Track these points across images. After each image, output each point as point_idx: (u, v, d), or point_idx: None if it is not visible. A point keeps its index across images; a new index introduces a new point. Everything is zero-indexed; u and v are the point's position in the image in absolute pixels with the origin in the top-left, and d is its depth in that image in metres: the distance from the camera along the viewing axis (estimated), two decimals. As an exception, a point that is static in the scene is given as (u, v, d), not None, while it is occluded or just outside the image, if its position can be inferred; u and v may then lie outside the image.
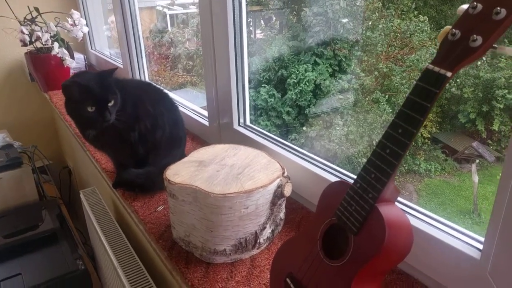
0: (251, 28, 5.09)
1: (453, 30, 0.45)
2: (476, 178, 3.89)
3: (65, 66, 1.69)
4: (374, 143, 4.29)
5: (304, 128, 4.44)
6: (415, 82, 0.48)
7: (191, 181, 0.72)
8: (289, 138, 4.41)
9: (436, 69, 0.45)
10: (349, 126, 4.33)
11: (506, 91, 3.73)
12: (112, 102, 0.87)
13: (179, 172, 0.76)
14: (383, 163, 0.49)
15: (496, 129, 3.86)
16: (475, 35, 0.42)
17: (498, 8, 0.41)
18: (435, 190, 4.07)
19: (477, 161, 4.06)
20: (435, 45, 4.22)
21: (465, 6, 0.46)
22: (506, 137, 3.94)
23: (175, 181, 0.72)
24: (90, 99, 0.85)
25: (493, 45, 0.43)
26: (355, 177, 0.80)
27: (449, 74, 0.44)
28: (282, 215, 0.81)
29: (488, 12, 0.42)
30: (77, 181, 2.21)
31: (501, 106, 3.77)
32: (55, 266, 1.30)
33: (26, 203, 1.66)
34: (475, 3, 0.43)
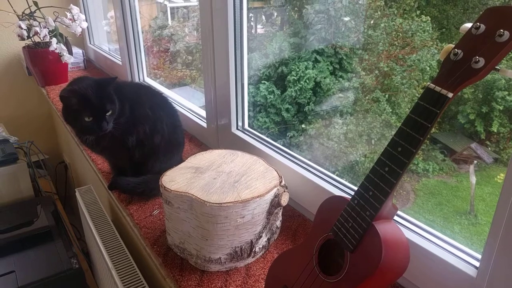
0: (252, 23, 5.05)
1: (456, 50, 0.44)
2: (473, 179, 3.89)
3: (63, 62, 1.67)
4: (373, 142, 4.30)
5: (303, 126, 4.42)
6: (416, 101, 0.47)
7: (187, 188, 0.72)
8: (288, 136, 4.40)
9: (438, 89, 0.44)
10: (348, 124, 4.32)
11: (506, 92, 3.73)
12: (110, 112, 0.87)
13: (175, 179, 0.75)
14: (382, 181, 0.48)
15: (495, 131, 3.86)
16: (477, 57, 0.42)
17: (502, 30, 0.40)
18: (433, 190, 4.07)
19: (475, 162, 4.07)
20: (437, 45, 4.21)
21: (468, 25, 0.45)
22: (504, 139, 3.94)
23: (171, 188, 0.72)
24: (88, 109, 0.84)
25: (496, 67, 0.42)
26: (353, 187, 0.80)
27: (450, 95, 0.43)
28: (278, 223, 0.80)
29: (491, 34, 0.41)
30: (73, 177, 2.20)
31: (501, 107, 3.76)
32: (50, 264, 1.29)
33: (21, 199, 1.65)
34: (478, 23, 0.43)
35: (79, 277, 1.30)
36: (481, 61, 0.42)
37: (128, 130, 0.92)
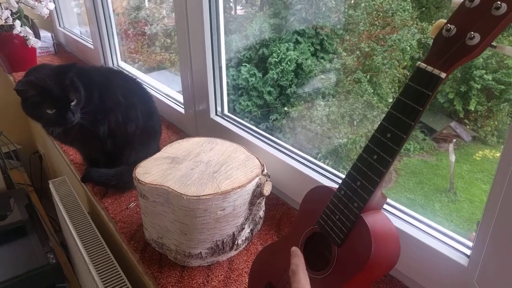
0: (231, 4, 4.93)
1: (448, 25, 0.40)
2: (453, 157, 3.97)
3: (30, 46, 1.57)
4: (355, 123, 4.31)
5: (286, 109, 4.39)
6: (406, 82, 0.43)
7: (163, 180, 0.67)
8: (271, 119, 4.37)
9: (429, 68, 0.41)
10: (330, 106, 4.31)
11: (484, 71, 3.77)
12: (75, 101, 0.79)
13: (150, 170, 0.70)
14: (370, 170, 0.45)
15: (473, 109, 3.92)
16: (472, 32, 0.38)
17: (499, 2, 0.36)
18: (414, 169, 4.14)
19: (454, 140, 4.14)
20: (417, 24, 4.20)
21: (461, -2, 0.41)
22: (482, 117, 4.01)
23: (145, 181, 0.67)
24: (49, 101, 0.77)
25: (492, 43, 0.39)
26: (339, 174, 0.77)
27: (443, 75, 0.40)
28: (261, 213, 0.77)
29: (487, 7, 0.38)
30: (48, 167, 2.11)
31: (479, 86, 3.81)
32: (25, 260, 1.23)
33: (-8, 193, 1.57)
34: (473, -5, 0.39)
35: (56, 272, 1.25)
36: (477, 37, 0.38)
37: (98, 119, 0.85)
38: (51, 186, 1.32)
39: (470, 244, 0.55)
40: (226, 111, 1.04)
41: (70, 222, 1.14)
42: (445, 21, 0.42)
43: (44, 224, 1.51)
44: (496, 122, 3.91)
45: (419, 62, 0.42)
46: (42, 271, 1.21)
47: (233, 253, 0.72)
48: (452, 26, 0.40)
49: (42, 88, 0.76)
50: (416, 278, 0.61)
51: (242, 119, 1.00)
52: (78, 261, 1.18)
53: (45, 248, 1.31)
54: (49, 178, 1.95)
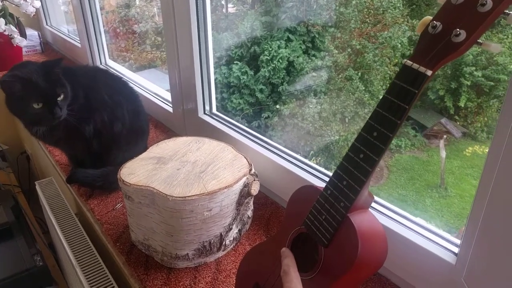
0: (223, 2, 4.91)
1: (434, 22, 0.39)
2: (443, 153, 4.00)
3: (15, 45, 1.54)
4: (347, 120, 4.32)
5: (278, 107, 4.39)
6: (392, 80, 0.43)
7: (148, 181, 0.66)
8: (263, 117, 4.36)
9: (415, 66, 0.40)
10: (322, 104, 4.32)
11: (474, 68, 3.80)
12: (62, 96, 0.78)
13: (135, 171, 0.69)
14: (356, 170, 0.44)
15: (463, 106, 3.95)
16: (458, 29, 0.37)
17: (484, -1, 0.36)
18: (405, 165, 4.17)
19: (445, 136, 4.18)
20: (407, 22, 4.22)
21: (447, -6, 0.40)
22: (472, 113, 4.05)
23: (130, 182, 0.66)
24: (36, 95, 0.75)
25: (478, 40, 0.38)
26: (328, 173, 0.76)
27: (429, 72, 0.39)
28: (249, 213, 0.76)
29: (472, 3, 0.37)
30: (36, 168, 2.08)
31: (469, 83, 3.84)
32: (10, 263, 1.21)
33: (-23, 195, 1.54)
34: (459, -9, 0.38)
35: (43, 275, 1.23)
36: (462, 34, 0.37)
37: (83, 119, 0.84)
38: (37, 187, 1.30)
39: (458, 242, 0.54)
40: (214, 110, 1.03)
41: (57, 224, 1.12)
42: (431, 18, 0.41)
43: (31, 225, 1.48)
44: (485, 118, 3.95)
45: (405, 60, 0.41)
46: (28, 274, 1.19)
47: (220, 254, 0.71)
48: (438, 23, 0.39)
49: (29, 82, 0.74)
50: (404, 276, 0.60)
51: (233, 118, 0.99)
52: (66, 263, 1.16)
53: (31, 250, 1.28)
54: (37, 179, 1.92)
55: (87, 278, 0.93)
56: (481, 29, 0.37)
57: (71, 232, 1.09)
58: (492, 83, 3.77)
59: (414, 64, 0.40)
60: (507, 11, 0.36)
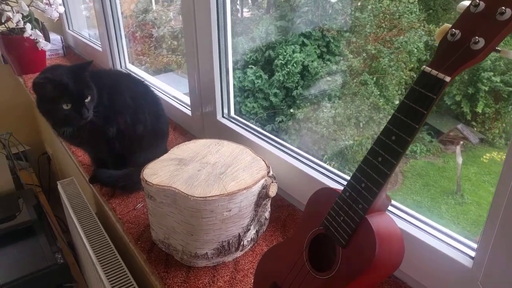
0: (238, 7, 4.95)
1: (453, 30, 0.41)
2: (460, 160, 3.94)
3: (40, 49, 1.59)
4: (361, 125, 4.30)
5: (292, 111, 4.39)
6: (411, 85, 0.44)
7: (170, 182, 0.68)
8: (276, 121, 4.37)
9: (434, 72, 0.41)
10: (336, 108, 4.30)
11: (491, 73, 3.74)
12: (89, 97, 0.82)
13: (157, 172, 0.71)
14: (375, 172, 0.45)
15: (480, 111, 3.89)
16: (477, 37, 0.38)
17: (503, 7, 0.37)
18: (420, 171, 4.12)
19: (462, 142, 4.11)
20: (424, 26, 4.19)
21: (466, 3, 0.41)
22: (490, 119, 3.98)
23: (152, 182, 0.68)
24: (66, 96, 0.79)
25: (496, 47, 0.39)
26: (344, 176, 0.78)
27: (447, 79, 0.40)
28: (267, 214, 0.77)
29: (491, 12, 0.38)
30: (56, 168, 2.14)
31: (486, 88, 3.79)
32: (32, 260, 1.25)
33: (1, 193, 1.59)
34: (477, 1, 0.39)
35: (64, 272, 1.27)
36: (481, 42, 0.38)
37: (107, 121, 0.87)
38: (59, 187, 1.34)
39: (474, 245, 0.55)
40: (232, 113, 1.05)
41: (78, 223, 1.15)
42: (450, 25, 0.42)
43: (52, 224, 1.53)
44: (504, 125, 3.88)
45: (424, 66, 0.43)
46: (49, 271, 1.23)
47: (238, 253, 0.73)
48: (457, 31, 0.40)
49: (60, 83, 0.78)
50: (420, 279, 0.61)
51: (248, 121, 1.01)
52: (86, 261, 1.20)
53: (53, 248, 1.33)
54: (57, 179, 1.97)
55: (107, 276, 0.96)
56: (500, 37, 0.38)
57: (91, 231, 1.12)
58: (511, 89, 3.71)
59: (433, 70, 0.41)
60: (525, 19, 0.37)
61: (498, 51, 0.39)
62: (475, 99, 3.92)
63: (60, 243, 1.48)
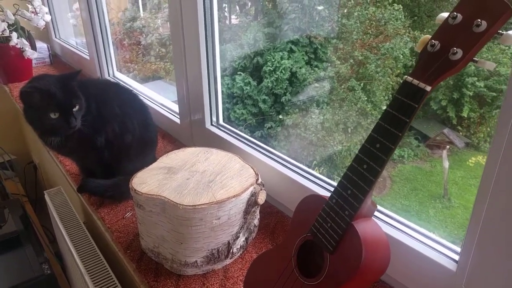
0: (226, 14, 4.98)
1: (433, 41, 0.42)
2: (446, 164, 4.01)
3: (26, 58, 1.58)
4: (349, 130, 4.34)
5: (281, 117, 4.42)
6: (394, 95, 0.45)
7: (159, 191, 0.68)
8: (266, 127, 4.39)
9: (415, 82, 0.43)
10: (324, 114, 4.34)
11: (476, 78, 3.82)
12: (77, 107, 0.81)
13: (146, 181, 0.71)
14: (360, 179, 0.46)
15: (466, 116, 3.96)
16: (455, 48, 0.40)
17: (479, 20, 0.38)
18: (408, 175, 4.17)
19: (448, 147, 4.18)
20: (409, 33, 4.26)
21: (444, 15, 0.43)
22: (475, 124, 4.06)
23: (141, 191, 0.68)
24: (53, 105, 0.79)
25: (474, 58, 0.41)
26: (332, 183, 0.79)
27: (428, 88, 0.42)
28: (256, 221, 0.78)
29: (468, 24, 0.40)
30: (43, 177, 2.11)
31: (471, 93, 3.86)
32: (19, 271, 1.23)
33: (-14, 204, 1.57)
34: (455, 13, 0.41)
35: (51, 283, 1.25)
36: (459, 53, 0.40)
37: (96, 130, 0.87)
38: (46, 196, 1.32)
39: (459, 249, 0.56)
40: (221, 121, 1.06)
41: (66, 233, 1.14)
42: (430, 36, 0.44)
43: (38, 234, 1.51)
44: (488, 129, 3.95)
45: (406, 76, 0.44)
46: (36, 282, 1.21)
47: (228, 261, 0.73)
48: (436, 42, 0.42)
49: (47, 92, 0.78)
50: (406, 283, 0.62)
51: (237, 128, 1.02)
52: (74, 271, 1.18)
53: (40, 258, 1.31)
54: (43, 188, 1.95)
55: (95, 286, 0.95)
56: (476, 48, 0.40)
57: (79, 241, 1.11)
58: (494, 94, 3.79)
59: (414, 80, 0.43)
60: (500, 31, 0.39)
61: (476, 61, 0.41)
62: (460, 104, 3.99)
63: (47, 253, 1.46)
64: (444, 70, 0.41)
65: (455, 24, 0.41)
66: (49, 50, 1.96)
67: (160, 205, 0.67)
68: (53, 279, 1.26)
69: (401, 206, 3.77)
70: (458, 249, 0.57)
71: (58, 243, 1.47)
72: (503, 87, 3.69)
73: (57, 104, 0.79)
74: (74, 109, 0.81)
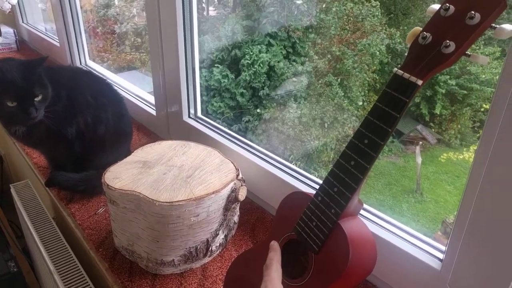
0: (203, 5, 4.89)
1: (424, 33, 0.41)
2: (419, 159, 4.10)
3: (-10, 43, 1.49)
4: (326, 125, 4.37)
5: (258, 111, 4.40)
6: (384, 89, 0.43)
7: (134, 186, 0.64)
8: (243, 121, 4.36)
9: (406, 75, 0.41)
10: (302, 109, 4.35)
11: (448, 77, 3.92)
12: (40, 97, 0.75)
13: (120, 175, 0.67)
14: (347, 177, 0.44)
15: (438, 113, 4.07)
16: (447, 41, 0.38)
17: (473, 12, 0.37)
18: (382, 170, 4.24)
19: (421, 143, 4.28)
20: (385, 30, 4.32)
21: (435, 6, 0.41)
22: (446, 121, 4.17)
23: (115, 186, 0.64)
24: (10, 92, 0.73)
25: (466, 52, 0.39)
26: (315, 179, 0.77)
27: (420, 82, 0.40)
28: (236, 218, 0.75)
29: (461, 16, 0.38)
30: (10, 170, 2.01)
31: (443, 91, 3.96)
32: (-18, 270, 1.16)
33: None
34: (447, 4, 0.39)
35: (18, 281, 1.19)
36: (452, 45, 0.38)
37: (66, 120, 0.81)
38: (12, 190, 1.25)
39: (443, 248, 0.56)
40: (199, 114, 1.02)
41: (33, 229, 1.08)
42: (421, 28, 0.42)
43: (4, 230, 1.43)
44: (459, 126, 4.07)
45: (396, 69, 0.42)
46: (2, 280, 1.15)
47: (207, 259, 0.70)
48: (428, 34, 0.40)
49: (4, 78, 0.72)
50: (390, 282, 0.61)
51: (215, 121, 0.98)
52: (42, 269, 1.12)
53: (5, 255, 1.24)
54: (10, 181, 1.85)
55: (65, 285, 0.91)
56: (470, 41, 0.38)
57: (48, 237, 1.05)
58: (465, 92, 3.90)
59: (405, 73, 0.41)
60: (494, 24, 0.37)
61: (468, 55, 0.39)
62: (433, 101, 4.09)
63: (14, 250, 1.39)
64: (437, 63, 0.39)
65: (448, 16, 0.39)
66: (15, 36, 1.86)
67: (135, 201, 0.63)
68: (20, 276, 1.20)
69: (375, 200, 3.84)
70: (443, 248, 0.56)
71: (26, 239, 1.40)
72: (474, 86, 3.80)
73: (15, 92, 0.73)
74: (36, 99, 0.75)
